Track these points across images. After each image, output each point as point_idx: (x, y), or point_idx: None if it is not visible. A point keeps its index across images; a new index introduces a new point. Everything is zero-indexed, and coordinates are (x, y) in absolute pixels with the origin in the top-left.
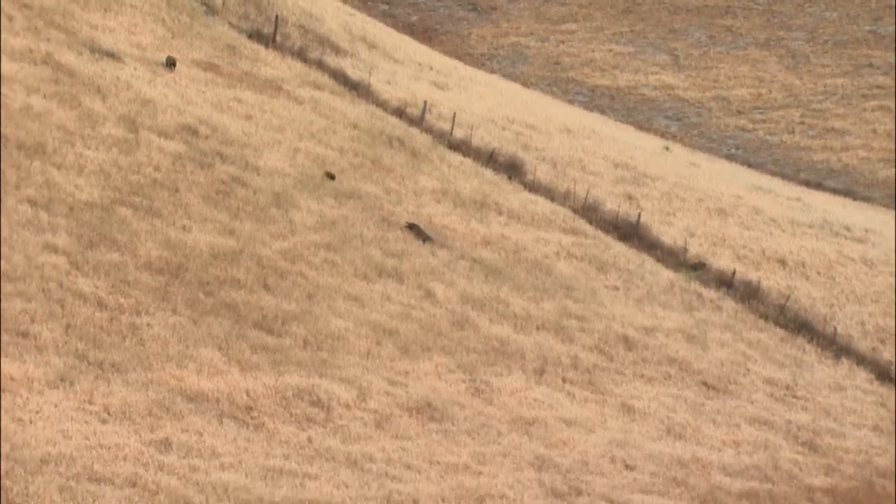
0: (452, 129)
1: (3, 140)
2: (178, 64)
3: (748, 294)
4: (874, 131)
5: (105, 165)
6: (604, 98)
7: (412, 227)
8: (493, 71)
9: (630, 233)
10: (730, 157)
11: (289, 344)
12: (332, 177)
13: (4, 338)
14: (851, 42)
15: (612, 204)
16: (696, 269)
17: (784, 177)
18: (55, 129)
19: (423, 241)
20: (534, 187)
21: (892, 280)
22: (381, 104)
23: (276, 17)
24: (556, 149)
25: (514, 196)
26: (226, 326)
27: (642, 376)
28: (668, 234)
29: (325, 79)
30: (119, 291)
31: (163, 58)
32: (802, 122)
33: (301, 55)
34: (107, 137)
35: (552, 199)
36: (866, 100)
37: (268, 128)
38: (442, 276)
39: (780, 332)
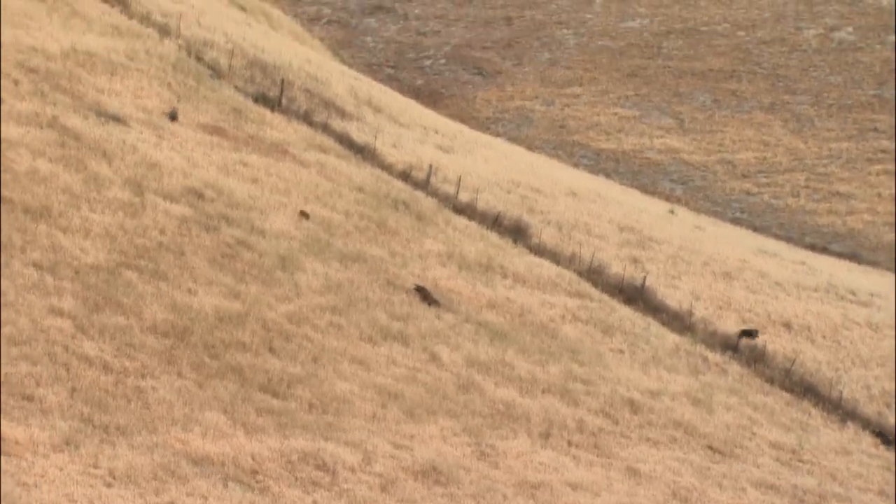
0: (458, 192)
1: (9, 204)
2: (183, 127)
3: (754, 358)
4: (879, 195)
5: (111, 229)
6: (609, 161)
7: (420, 291)
8: (498, 134)
9: (635, 296)
10: (735, 221)
11: (294, 407)
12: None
13: (10, 402)
14: (856, 106)
15: (618, 267)
16: (751, 335)
17: (789, 240)
18: (61, 192)
19: (430, 304)
20: (539, 250)
21: None
22: (387, 167)
23: (282, 80)
24: (562, 212)
25: (519, 259)
26: (231, 389)
27: (648, 440)
28: (674, 298)
29: (330, 142)
30: (124, 354)
31: (167, 113)
32: (807, 186)
33: (307, 118)
34: (112, 201)
35: (557, 263)
36: (871, 164)
37: (273, 191)
38: (447, 340)
39: (785, 395)
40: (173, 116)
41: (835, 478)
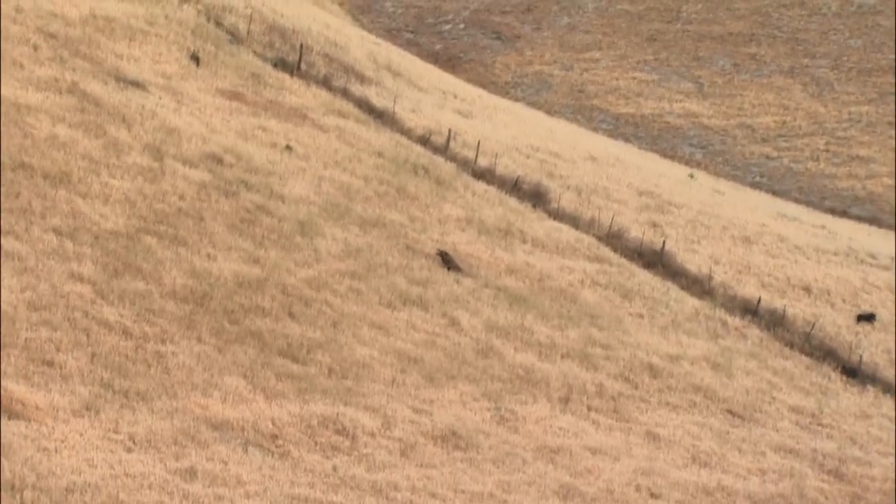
0: (477, 157)
1: (29, 170)
2: (202, 92)
3: (773, 322)
4: None
5: (130, 194)
6: (628, 126)
7: (442, 255)
8: (517, 99)
9: (655, 260)
10: (754, 185)
11: (314, 372)
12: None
13: (30, 367)
14: (876, 70)
15: (637, 232)
16: (869, 319)
17: (809, 204)
18: (80, 158)
19: (451, 269)
20: (558, 215)
21: None
22: (406, 132)
23: (301, 45)
24: (581, 177)
25: (538, 224)
26: (251, 355)
27: (667, 404)
28: (693, 262)
29: (349, 107)
30: (144, 320)
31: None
32: (827, 150)
33: (326, 83)
34: (132, 166)
35: (577, 227)
36: (891, 127)
37: (293, 156)
38: (466, 305)
39: (805, 359)
40: (195, 57)
41: (855, 441)
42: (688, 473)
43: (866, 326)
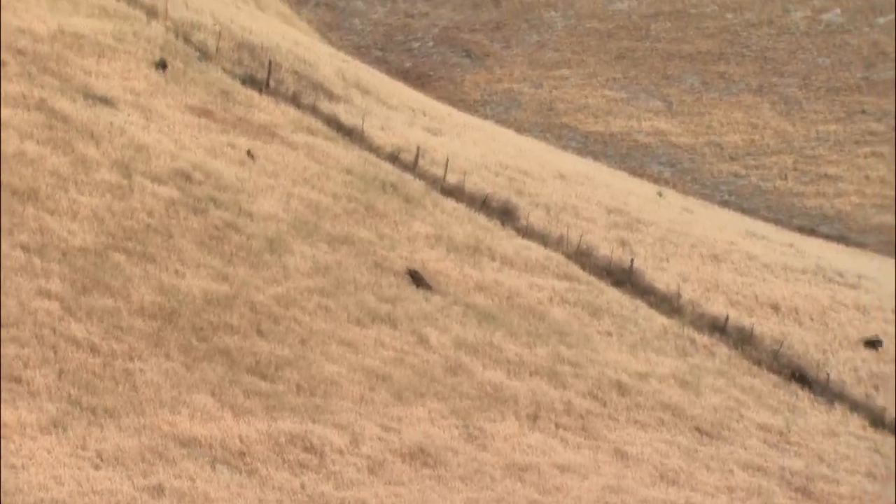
0: (446, 174)
1: None
2: (171, 109)
3: (742, 340)
4: (867, 177)
5: (98, 211)
6: (597, 144)
7: (412, 274)
8: (486, 117)
9: (623, 278)
10: (723, 203)
11: (282, 389)
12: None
13: None
14: (844, 88)
15: (606, 249)
16: (875, 345)
17: (777, 223)
18: (49, 174)
19: (418, 286)
20: (527, 233)
21: (886, 326)
22: (375, 150)
23: (270, 62)
24: (550, 194)
25: (507, 242)
26: (219, 372)
27: (636, 422)
28: (662, 280)
29: (318, 124)
30: (112, 337)
31: (156, 103)
32: (795, 168)
33: (295, 101)
34: (100, 183)
35: (546, 245)
36: (859, 146)
37: (262, 173)
38: (435, 322)
39: (773, 377)
40: (162, 65)
41: (822, 459)
42: (656, 491)
43: (871, 352)
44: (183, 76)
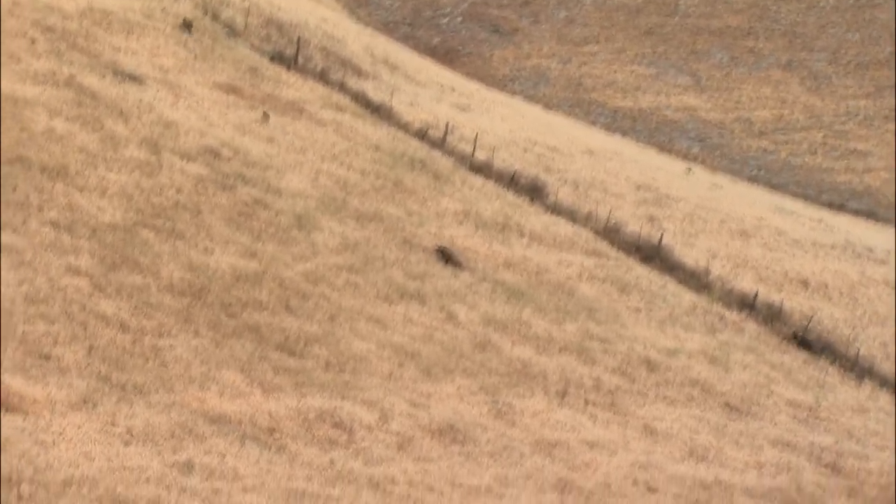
0: (474, 151)
1: (26, 163)
2: (200, 86)
3: (771, 316)
4: None
5: (127, 188)
6: (626, 120)
7: (442, 251)
8: (514, 93)
9: (652, 255)
10: (752, 179)
11: (311, 366)
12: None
13: (27, 360)
14: (874, 63)
15: (635, 226)
16: None
17: (807, 198)
18: (78, 151)
19: (447, 263)
20: (556, 209)
21: None
22: (403, 126)
23: (298, 39)
24: (579, 171)
25: (536, 218)
26: (248, 348)
27: (665, 398)
28: (691, 256)
29: (346, 101)
30: (142, 313)
31: (184, 80)
32: (825, 144)
33: (323, 77)
34: (129, 160)
35: (574, 221)
36: (888, 121)
37: (290, 150)
38: (464, 299)
39: (802, 353)
40: (187, 25)
41: (852, 435)
42: (685, 467)
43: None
44: (211, 53)
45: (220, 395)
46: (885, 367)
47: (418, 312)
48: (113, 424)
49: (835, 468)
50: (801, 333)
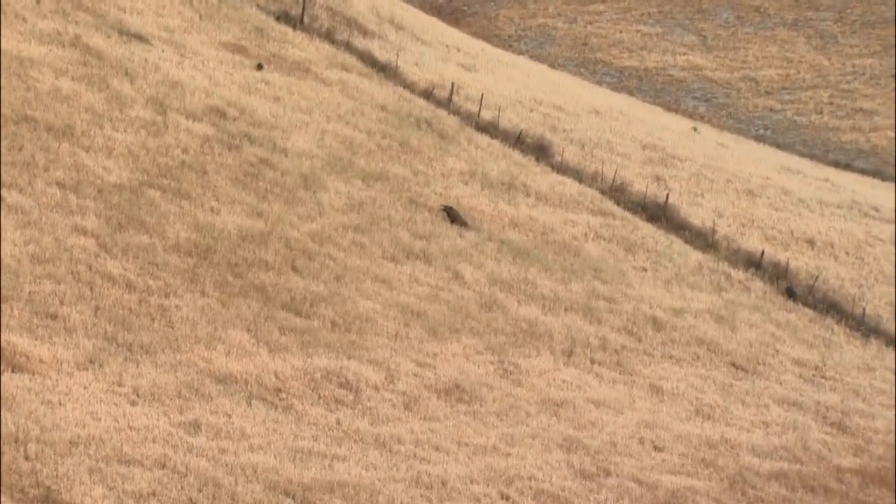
0: (480, 110)
1: (32, 123)
2: (205, 46)
3: (777, 275)
4: None
5: (133, 148)
6: (632, 79)
7: (448, 211)
8: (520, 52)
9: (658, 214)
10: (758, 138)
11: (317, 325)
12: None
13: (34, 320)
14: (880, 22)
15: (641, 185)
16: None
17: (813, 157)
18: (84, 111)
19: (453, 222)
20: (562, 169)
21: None
22: (409, 86)
23: None
24: (584, 130)
25: (542, 177)
26: (254, 308)
27: (671, 357)
28: (697, 216)
29: (352, 60)
30: (148, 273)
31: (190, 39)
32: (831, 103)
33: (329, 37)
34: (135, 119)
35: (580, 181)
36: (894, 80)
37: (296, 110)
38: (470, 258)
39: (808, 312)
40: None
41: (858, 394)
42: (691, 426)
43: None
44: (217, 13)
45: (227, 355)
46: (891, 326)
47: (424, 272)
48: (119, 384)
49: (840, 427)
50: (789, 286)
